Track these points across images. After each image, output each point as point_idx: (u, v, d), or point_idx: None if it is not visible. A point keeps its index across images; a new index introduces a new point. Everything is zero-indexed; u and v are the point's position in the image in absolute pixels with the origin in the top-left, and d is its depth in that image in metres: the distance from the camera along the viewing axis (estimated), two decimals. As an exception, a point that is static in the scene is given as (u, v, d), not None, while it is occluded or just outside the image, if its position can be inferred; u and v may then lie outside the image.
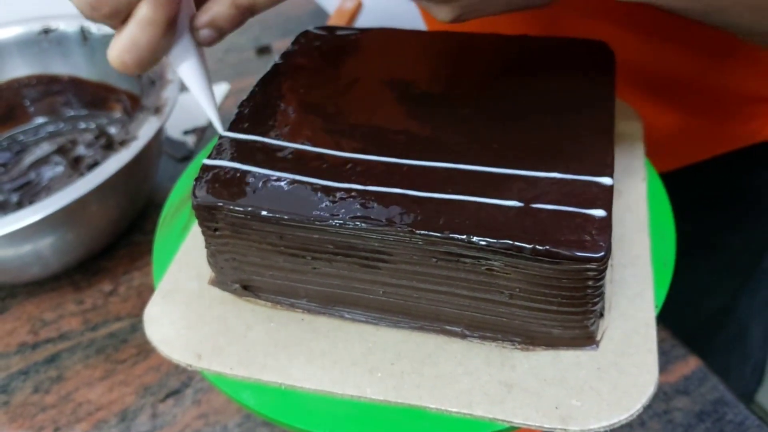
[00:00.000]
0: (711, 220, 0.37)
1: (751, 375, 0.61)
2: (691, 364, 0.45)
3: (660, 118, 0.41)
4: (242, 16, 0.26)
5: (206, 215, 0.27)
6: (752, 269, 0.55)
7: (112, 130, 0.60)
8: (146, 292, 0.52)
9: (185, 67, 0.28)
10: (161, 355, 0.48)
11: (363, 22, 0.75)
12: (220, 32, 0.27)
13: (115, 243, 0.55)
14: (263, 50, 0.74)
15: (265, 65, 0.74)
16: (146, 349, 0.48)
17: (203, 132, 0.66)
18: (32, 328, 0.50)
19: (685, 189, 0.34)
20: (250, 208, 0.26)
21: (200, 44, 0.28)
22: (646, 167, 0.34)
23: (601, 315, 0.28)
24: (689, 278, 0.29)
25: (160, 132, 0.50)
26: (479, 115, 0.30)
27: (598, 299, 0.26)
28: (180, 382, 0.46)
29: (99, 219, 0.50)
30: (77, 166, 0.57)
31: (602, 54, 0.32)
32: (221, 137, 0.30)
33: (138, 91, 0.58)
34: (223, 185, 0.27)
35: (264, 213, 0.26)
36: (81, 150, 0.58)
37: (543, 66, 0.32)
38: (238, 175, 0.28)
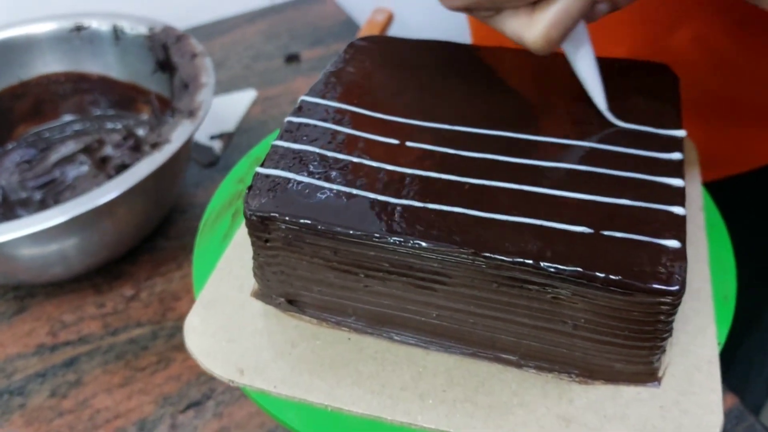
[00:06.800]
0: (742, 228, 0.36)
1: (765, 387, 0.60)
2: (728, 401, 0.44)
3: (706, 130, 0.40)
4: None
5: (258, 225, 0.26)
6: None
7: (140, 131, 0.59)
8: (168, 298, 0.50)
9: (582, 52, 0.28)
10: (182, 365, 0.47)
11: (393, 34, 0.74)
12: (615, 4, 0.27)
13: (138, 247, 0.53)
14: (291, 58, 0.73)
15: (293, 74, 0.74)
16: (167, 358, 0.46)
17: (230, 138, 0.65)
18: (51, 329, 0.49)
19: (717, 196, 0.34)
20: (306, 221, 0.25)
21: (591, 20, 0.28)
22: (703, 195, 0.33)
23: (664, 351, 0.27)
24: None
25: (191, 136, 0.49)
26: (543, 137, 0.29)
27: (667, 335, 0.25)
28: (201, 393, 0.44)
29: (125, 222, 0.48)
30: (103, 167, 0.56)
31: (667, 78, 0.31)
32: (274, 146, 0.29)
33: (168, 93, 0.57)
34: (277, 195, 0.26)
35: (320, 227, 0.25)
36: (108, 150, 0.57)
37: (607, 87, 0.31)
38: (294, 185, 0.27)
